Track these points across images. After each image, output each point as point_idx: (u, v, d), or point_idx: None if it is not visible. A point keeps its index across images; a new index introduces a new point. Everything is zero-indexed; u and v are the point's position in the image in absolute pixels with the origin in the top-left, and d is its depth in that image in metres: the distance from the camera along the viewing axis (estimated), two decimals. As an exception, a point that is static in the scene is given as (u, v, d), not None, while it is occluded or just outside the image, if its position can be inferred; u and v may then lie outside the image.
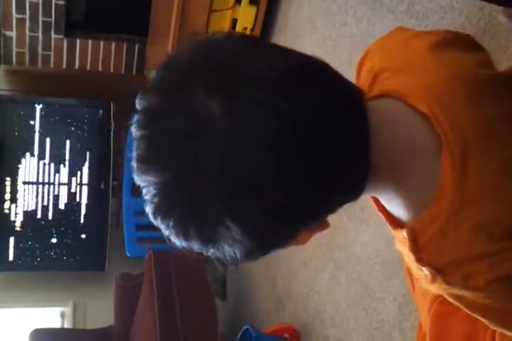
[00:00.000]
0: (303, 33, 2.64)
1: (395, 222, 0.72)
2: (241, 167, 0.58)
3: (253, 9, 2.78)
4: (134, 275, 3.16)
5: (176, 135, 0.60)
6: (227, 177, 0.59)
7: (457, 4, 1.68)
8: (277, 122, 0.58)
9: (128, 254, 3.16)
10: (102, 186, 3.49)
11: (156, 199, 0.62)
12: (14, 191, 3.39)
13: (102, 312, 3.32)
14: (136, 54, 3.61)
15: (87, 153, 3.47)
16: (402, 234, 0.70)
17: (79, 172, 3.47)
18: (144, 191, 0.63)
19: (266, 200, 0.60)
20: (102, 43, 3.54)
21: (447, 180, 0.64)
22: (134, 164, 0.63)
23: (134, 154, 0.63)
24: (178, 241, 0.65)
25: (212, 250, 0.64)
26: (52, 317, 3.64)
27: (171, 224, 0.62)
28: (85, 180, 3.48)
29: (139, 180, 0.63)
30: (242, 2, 2.77)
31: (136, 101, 0.63)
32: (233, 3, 2.77)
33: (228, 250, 0.64)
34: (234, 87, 0.59)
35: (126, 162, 3.23)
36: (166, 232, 0.64)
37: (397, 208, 0.71)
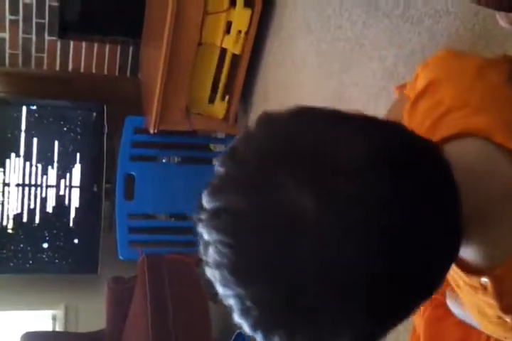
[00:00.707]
0: (298, 35, 2.64)
1: (469, 268, 0.67)
2: (350, 270, 0.52)
3: (248, 12, 2.78)
4: (126, 278, 3.16)
5: (268, 243, 0.53)
6: (336, 284, 0.53)
7: (452, 8, 1.68)
8: (378, 218, 0.53)
9: (121, 257, 3.14)
10: (95, 189, 3.48)
11: (254, 313, 0.55)
12: (5, 194, 3.38)
13: (93, 316, 3.31)
14: (130, 56, 3.60)
15: (80, 156, 3.46)
16: (478, 281, 0.66)
17: (70, 175, 3.46)
18: (233, 302, 0.56)
19: (381, 301, 0.55)
20: (95, 45, 3.54)
21: None
22: (217, 272, 0.56)
23: (215, 260, 0.55)
24: None
25: None
26: (43, 320, 3.63)
27: (275, 334, 0.55)
28: (77, 183, 3.47)
29: (224, 291, 0.56)
30: (237, 4, 2.77)
31: (209, 199, 0.56)
32: (228, 5, 2.77)
33: None
34: (323, 179, 0.53)
35: (119, 165, 3.22)
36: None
37: (475, 254, 0.66)
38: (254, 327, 0.56)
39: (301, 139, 0.56)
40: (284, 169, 0.53)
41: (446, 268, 0.60)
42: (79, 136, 3.46)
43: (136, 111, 3.21)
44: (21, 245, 3.37)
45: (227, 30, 2.82)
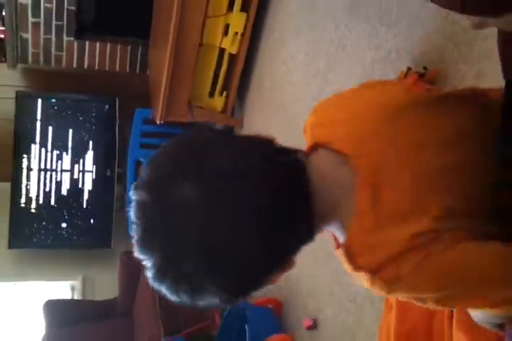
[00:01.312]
0: (288, 37, 2.64)
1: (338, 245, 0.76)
2: (219, 233, 0.66)
3: (243, 15, 2.78)
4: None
5: (161, 222, 0.67)
6: (205, 245, 0.66)
7: (424, 14, 1.68)
8: (247, 200, 0.66)
9: (131, 233, 3.15)
10: (108, 173, 3.49)
11: (152, 271, 0.68)
12: (30, 178, 3.39)
13: (108, 285, 3.34)
14: (139, 55, 3.59)
15: (95, 144, 3.47)
16: (341, 253, 0.74)
17: (85, 161, 3.47)
18: (144, 262, 0.69)
19: (242, 258, 0.67)
20: (108, 45, 3.52)
21: (362, 196, 0.70)
22: (134, 243, 0.69)
23: (134, 234, 0.69)
24: (173, 299, 0.70)
25: (201, 303, 0.69)
26: (63, 289, 3.65)
27: (164, 288, 0.69)
28: (92, 168, 3.49)
29: (139, 254, 0.69)
30: (234, 9, 2.76)
31: (132, 192, 0.70)
32: (226, 9, 2.77)
33: (215, 302, 0.69)
34: (203, 178, 0.67)
35: (130, 152, 3.23)
36: (163, 292, 0.70)
37: (337, 233, 0.75)
38: (152, 279, 0.69)
39: (194, 155, 0.69)
40: (178, 172, 0.67)
41: (301, 242, 0.71)
42: (93, 126, 3.47)
43: (144, 104, 3.21)
44: (43, 223, 3.39)
45: (225, 32, 2.82)
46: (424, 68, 1.56)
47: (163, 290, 0.70)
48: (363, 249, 0.71)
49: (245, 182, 0.67)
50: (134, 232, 0.69)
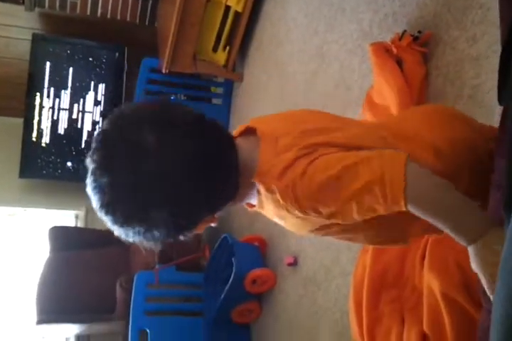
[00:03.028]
0: (289, 23, 2.53)
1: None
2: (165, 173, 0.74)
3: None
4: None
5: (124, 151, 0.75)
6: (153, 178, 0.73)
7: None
8: (189, 147, 0.76)
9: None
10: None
11: (106, 197, 0.74)
12: (42, 115, 3.31)
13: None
14: (149, 7, 3.44)
15: (104, 87, 3.38)
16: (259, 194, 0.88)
17: (95, 103, 3.39)
18: (93, 191, 0.75)
19: (180, 194, 0.75)
20: (121, -5, 3.37)
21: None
22: (89, 166, 0.76)
23: (91, 164, 0.75)
24: (116, 231, 0.78)
25: (142, 235, 0.77)
26: (68, 218, 3.64)
27: (112, 216, 0.75)
28: (101, 110, 3.41)
29: (91, 183, 0.75)
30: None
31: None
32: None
33: (155, 234, 0.77)
34: (163, 128, 0.75)
35: (136, 97, 3.15)
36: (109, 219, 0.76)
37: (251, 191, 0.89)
38: (99, 207, 0.76)
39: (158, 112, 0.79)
40: (142, 123, 0.75)
41: (227, 196, 0.83)
42: (103, 71, 3.37)
43: (151, 54, 3.10)
44: (52, 157, 3.34)
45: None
46: (419, 32, 1.49)
47: (111, 218, 0.75)
48: (269, 166, 0.82)
49: (193, 136, 0.76)
50: (90, 157, 0.74)
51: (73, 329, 2.86)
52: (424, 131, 0.93)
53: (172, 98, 3.40)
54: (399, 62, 1.52)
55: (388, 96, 1.47)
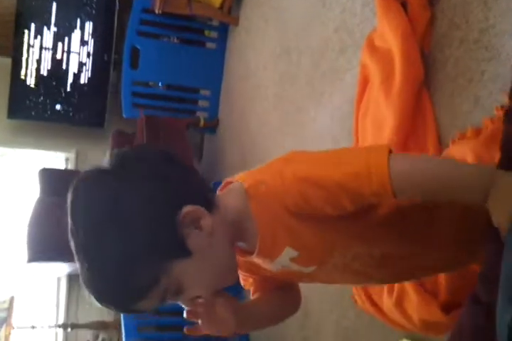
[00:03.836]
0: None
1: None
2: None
3: None
4: (128, 133, 3.10)
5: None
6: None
7: None
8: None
9: (124, 115, 3.06)
10: (106, 58, 3.31)
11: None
12: (30, 54, 3.20)
13: (99, 160, 3.28)
14: None
15: (94, 28, 3.25)
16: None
17: (83, 44, 3.27)
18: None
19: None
20: None
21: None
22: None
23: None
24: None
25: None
26: (58, 160, 3.60)
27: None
28: (92, 51, 3.30)
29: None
30: None
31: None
32: None
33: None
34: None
35: (127, 39, 3.04)
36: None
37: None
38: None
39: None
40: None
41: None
42: (94, 11, 3.23)
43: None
44: (41, 98, 3.25)
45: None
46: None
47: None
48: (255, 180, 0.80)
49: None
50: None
51: (64, 268, 2.89)
52: None
53: (164, 40, 3.29)
54: (404, 5, 1.47)
55: (391, 38, 1.42)
